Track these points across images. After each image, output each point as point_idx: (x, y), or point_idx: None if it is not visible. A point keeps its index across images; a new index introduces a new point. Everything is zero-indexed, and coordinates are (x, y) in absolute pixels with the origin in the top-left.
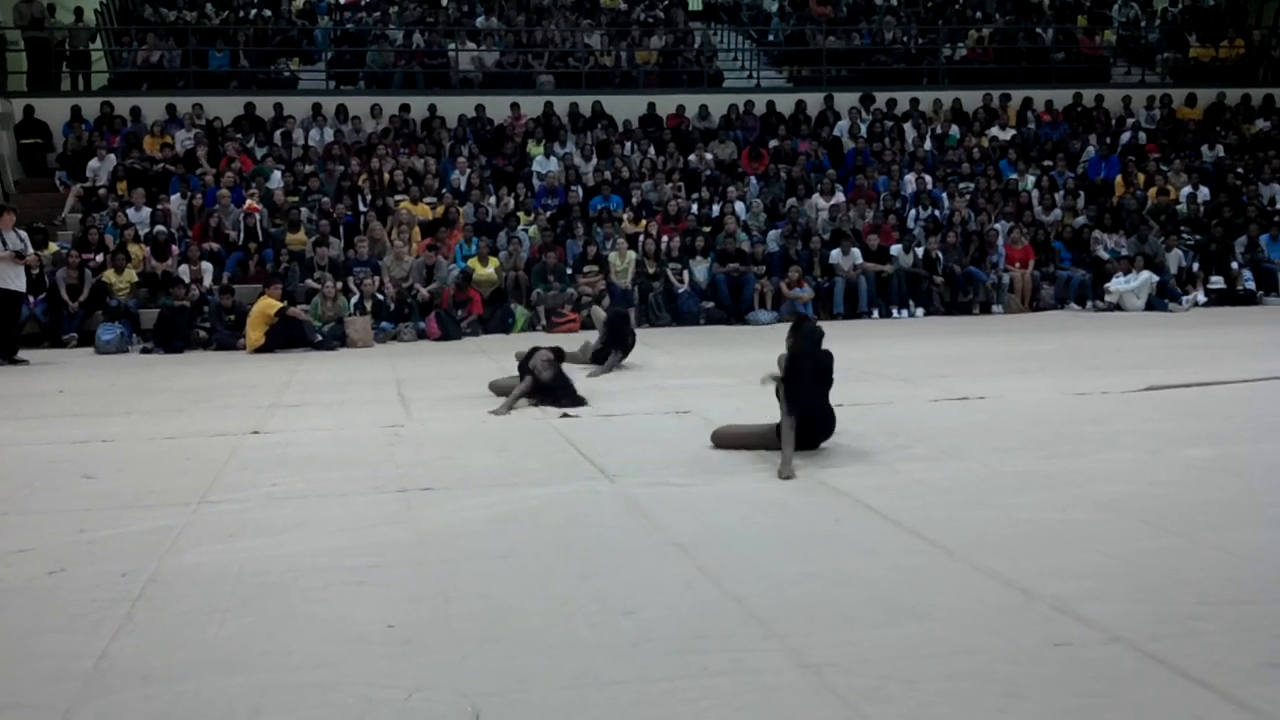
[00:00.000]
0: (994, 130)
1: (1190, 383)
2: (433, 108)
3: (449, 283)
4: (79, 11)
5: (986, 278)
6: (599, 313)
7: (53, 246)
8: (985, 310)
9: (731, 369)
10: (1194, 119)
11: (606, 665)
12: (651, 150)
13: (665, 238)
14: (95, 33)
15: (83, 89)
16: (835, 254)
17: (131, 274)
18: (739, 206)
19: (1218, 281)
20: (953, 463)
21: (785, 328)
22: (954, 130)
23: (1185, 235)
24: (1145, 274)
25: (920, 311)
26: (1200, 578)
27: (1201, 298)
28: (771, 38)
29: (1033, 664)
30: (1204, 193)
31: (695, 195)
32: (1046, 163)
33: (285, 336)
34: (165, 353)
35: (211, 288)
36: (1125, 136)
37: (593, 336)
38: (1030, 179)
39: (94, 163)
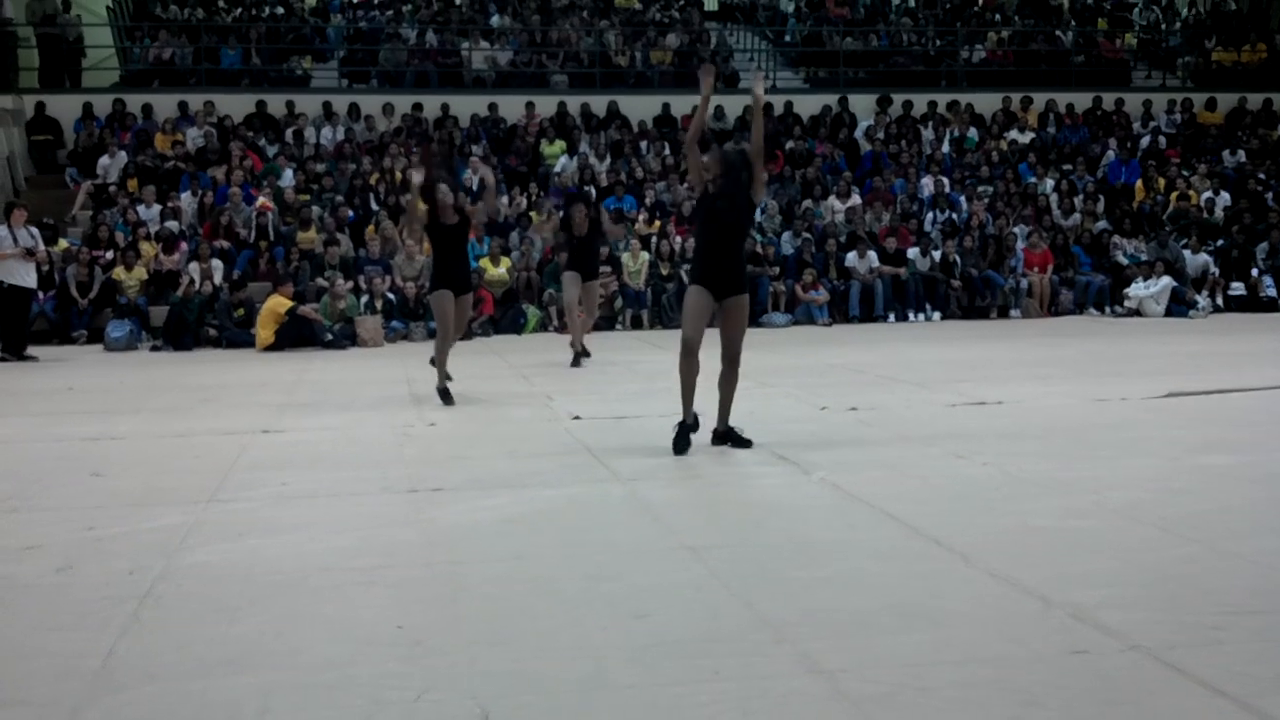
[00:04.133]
0: (1013, 133)
1: (1211, 390)
2: (445, 107)
3: None
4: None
5: (1004, 282)
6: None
7: (63, 243)
8: (1003, 315)
9: (744, 372)
10: (1215, 123)
11: (616, 668)
12: (666, 150)
13: (679, 239)
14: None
15: (94, 86)
16: (851, 257)
17: (141, 271)
18: None
19: (1238, 288)
20: (969, 468)
21: (798, 331)
22: (972, 133)
23: (1208, 243)
24: (1165, 279)
25: (937, 315)
26: (1220, 586)
27: (1202, 303)
28: (788, 38)
29: (1050, 672)
30: (1225, 198)
31: None
32: (1066, 166)
33: (295, 335)
34: (174, 350)
35: (222, 285)
36: (1145, 141)
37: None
38: (1049, 183)
39: (105, 160)
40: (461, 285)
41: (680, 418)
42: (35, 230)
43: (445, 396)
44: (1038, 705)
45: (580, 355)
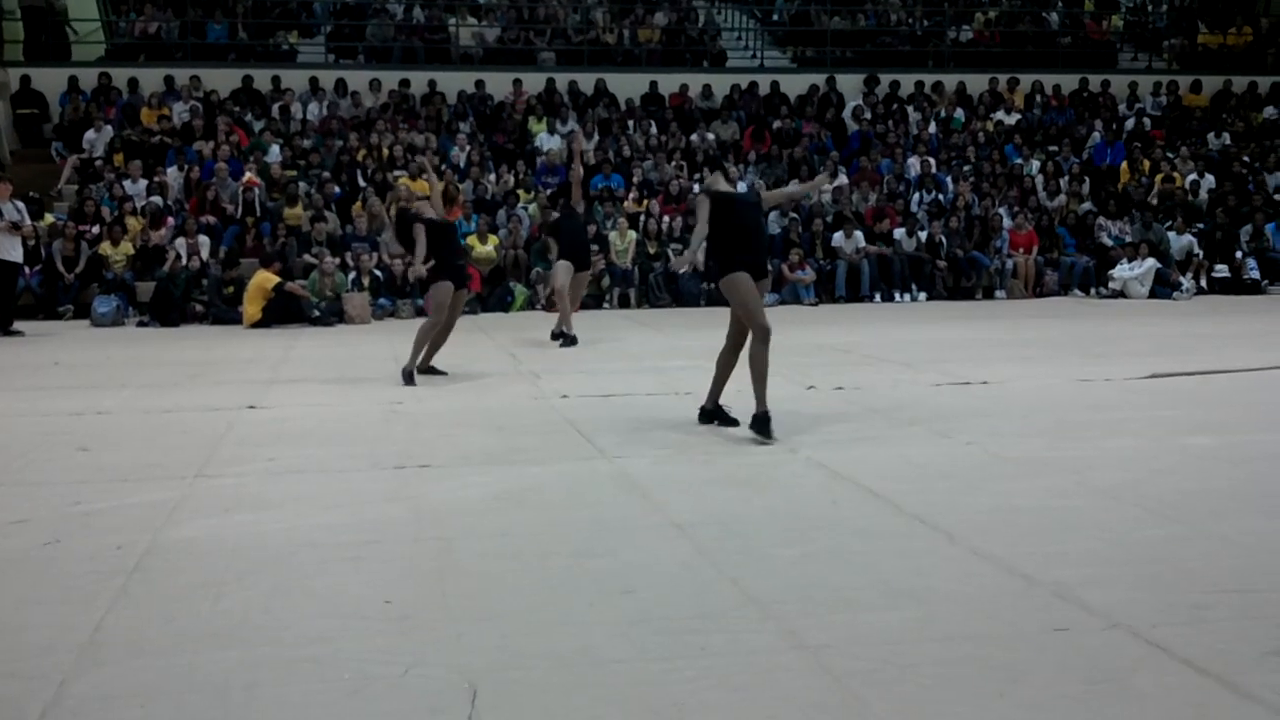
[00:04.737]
0: (999, 114)
1: (1194, 371)
2: (433, 83)
3: None
4: None
5: (990, 263)
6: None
7: (49, 218)
8: (988, 295)
9: None
10: (1200, 106)
11: (603, 644)
12: (654, 129)
13: (666, 218)
14: None
15: (80, 59)
16: (838, 237)
17: (128, 246)
18: (741, 187)
19: (1222, 270)
20: (954, 447)
21: (784, 310)
22: (959, 114)
23: (1192, 225)
24: (1150, 261)
25: (923, 296)
26: (1202, 566)
27: (1186, 284)
28: (776, 17)
29: (1033, 650)
30: (1209, 180)
31: (697, 175)
32: (1051, 148)
33: (282, 311)
34: (161, 326)
35: (208, 260)
36: (1130, 123)
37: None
38: (1035, 164)
39: (90, 134)
40: (460, 279)
41: (757, 409)
42: (21, 204)
43: (409, 378)
44: (1020, 682)
45: (568, 338)
